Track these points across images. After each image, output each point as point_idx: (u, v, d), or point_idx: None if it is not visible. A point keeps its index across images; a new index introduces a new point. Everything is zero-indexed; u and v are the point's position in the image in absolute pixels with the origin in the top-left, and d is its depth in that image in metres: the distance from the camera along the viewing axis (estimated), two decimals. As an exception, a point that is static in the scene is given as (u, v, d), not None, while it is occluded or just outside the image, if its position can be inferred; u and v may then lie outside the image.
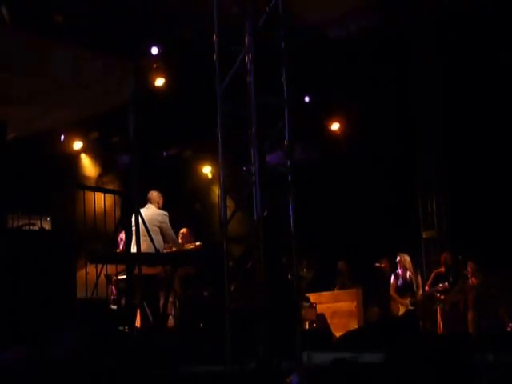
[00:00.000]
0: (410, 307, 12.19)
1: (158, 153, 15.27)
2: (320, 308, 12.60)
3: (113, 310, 8.62)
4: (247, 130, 7.86)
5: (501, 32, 12.59)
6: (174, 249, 9.33)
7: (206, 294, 9.43)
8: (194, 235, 10.98)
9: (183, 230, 11.05)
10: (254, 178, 7.74)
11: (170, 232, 9.38)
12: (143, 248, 8.05)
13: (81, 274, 7.46)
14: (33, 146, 10.68)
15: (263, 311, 7.43)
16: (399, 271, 12.55)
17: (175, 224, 10.18)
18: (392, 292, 12.45)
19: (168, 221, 9.38)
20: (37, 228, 7.49)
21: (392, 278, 12.58)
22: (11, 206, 7.20)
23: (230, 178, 7.98)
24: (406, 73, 15.14)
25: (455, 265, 12.35)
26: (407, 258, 12.73)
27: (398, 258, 12.62)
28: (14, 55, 6.67)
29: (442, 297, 12.08)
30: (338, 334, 10.66)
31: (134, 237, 7.85)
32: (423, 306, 12.34)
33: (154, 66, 12.77)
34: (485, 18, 12.47)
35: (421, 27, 14.58)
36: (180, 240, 10.40)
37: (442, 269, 12.46)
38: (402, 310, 12.34)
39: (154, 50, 12.66)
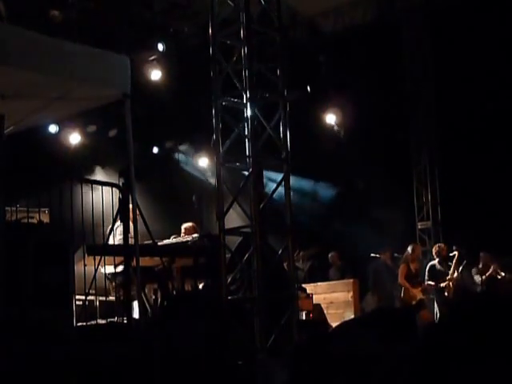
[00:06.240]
0: (421, 296, 12.26)
1: (154, 146, 15.33)
2: (316, 298, 12.65)
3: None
4: (243, 123, 7.93)
5: (491, 18, 12.68)
6: None
7: (202, 285, 9.49)
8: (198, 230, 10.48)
9: (187, 225, 10.65)
10: (249, 170, 7.82)
11: None
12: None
13: (79, 266, 7.52)
14: (31, 139, 10.73)
15: (260, 302, 7.51)
16: (411, 261, 12.58)
17: (172, 217, 10.15)
18: (401, 280, 12.44)
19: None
20: (35, 221, 7.54)
21: (402, 266, 12.58)
22: (10, 198, 7.25)
23: (226, 170, 8.06)
24: (401, 65, 15.23)
25: (448, 256, 12.49)
26: (419, 248, 12.91)
27: (411, 248, 12.71)
28: (13, 49, 6.71)
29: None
30: (334, 325, 10.72)
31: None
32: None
33: (151, 59, 12.79)
34: (475, 8, 12.56)
35: (413, 17, 14.69)
36: (183, 234, 10.30)
37: (437, 260, 12.55)
38: (417, 297, 12.34)
39: (158, 46, 12.71)
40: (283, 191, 8.14)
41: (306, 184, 15.93)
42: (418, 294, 12.28)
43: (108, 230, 9.14)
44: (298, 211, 10.45)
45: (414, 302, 12.23)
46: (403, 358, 3.12)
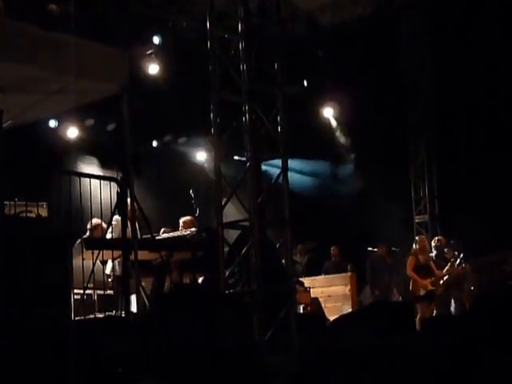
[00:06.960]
0: (431, 287, 12.26)
1: (152, 140, 15.35)
2: (314, 292, 12.71)
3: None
4: (241, 116, 7.92)
5: (490, 14, 12.71)
6: None
7: (201, 279, 9.51)
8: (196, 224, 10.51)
9: (185, 219, 10.69)
10: (248, 163, 7.82)
11: None
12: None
13: (77, 260, 7.53)
14: (30, 133, 10.74)
15: (258, 296, 7.52)
16: (420, 252, 12.60)
17: (171, 212, 10.08)
18: (409, 271, 12.42)
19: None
20: (33, 215, 7.54)
21: (410, 258, 12.57)
22: (8, 192, 7.25)
23: (224, 164, 8.06)
24: (400, 60, 15.25)
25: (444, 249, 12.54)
26: (426, 239, 12.94)
27: (418, 240, 12.73)
28: (11, 43, 6.71)
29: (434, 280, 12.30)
30: (332, 318, 10.75)
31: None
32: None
33: (149, 52, 12.80)
34: (474, 3, 12.58)
35: (412, 13, 14.70)
36: (181, 228, 10.34)
37: (434, 253, 12.59)
38: (423, 290, 12.33)
39: (156, 40, 12.73)
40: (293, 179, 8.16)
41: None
42: (427, 285, 12.26)
43: (89, 225, 9.17)
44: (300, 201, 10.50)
45: (422, 293, 12.21)
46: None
